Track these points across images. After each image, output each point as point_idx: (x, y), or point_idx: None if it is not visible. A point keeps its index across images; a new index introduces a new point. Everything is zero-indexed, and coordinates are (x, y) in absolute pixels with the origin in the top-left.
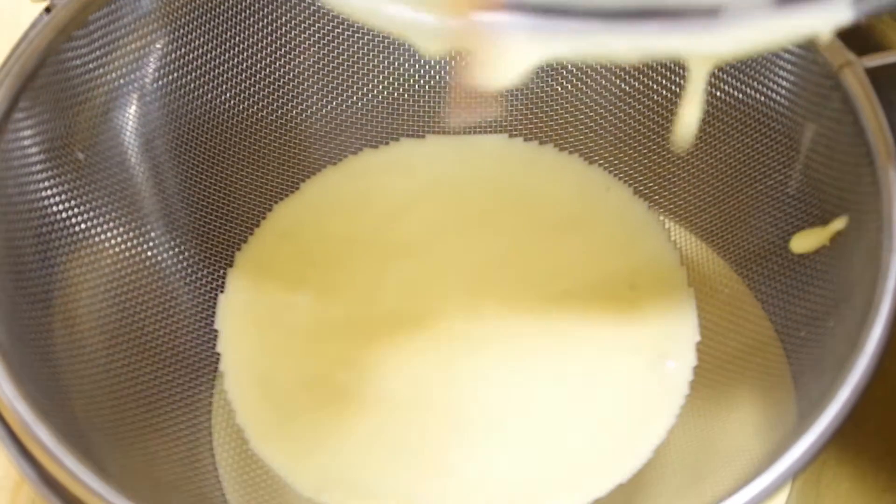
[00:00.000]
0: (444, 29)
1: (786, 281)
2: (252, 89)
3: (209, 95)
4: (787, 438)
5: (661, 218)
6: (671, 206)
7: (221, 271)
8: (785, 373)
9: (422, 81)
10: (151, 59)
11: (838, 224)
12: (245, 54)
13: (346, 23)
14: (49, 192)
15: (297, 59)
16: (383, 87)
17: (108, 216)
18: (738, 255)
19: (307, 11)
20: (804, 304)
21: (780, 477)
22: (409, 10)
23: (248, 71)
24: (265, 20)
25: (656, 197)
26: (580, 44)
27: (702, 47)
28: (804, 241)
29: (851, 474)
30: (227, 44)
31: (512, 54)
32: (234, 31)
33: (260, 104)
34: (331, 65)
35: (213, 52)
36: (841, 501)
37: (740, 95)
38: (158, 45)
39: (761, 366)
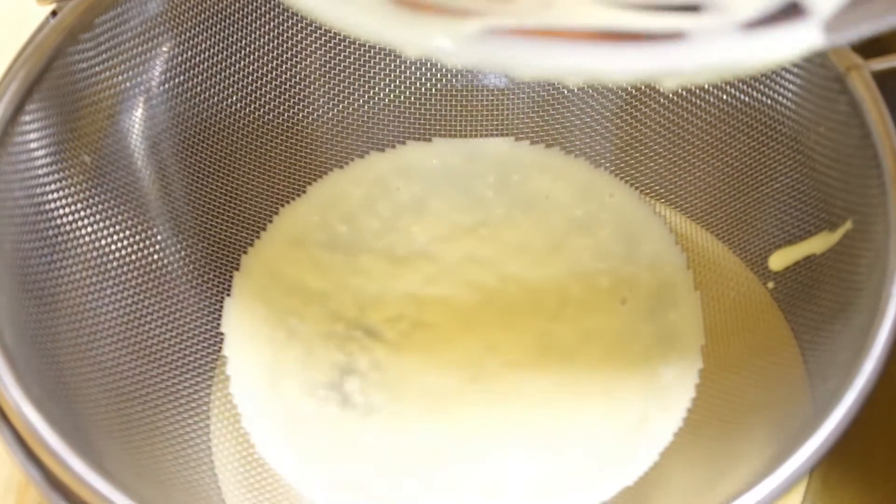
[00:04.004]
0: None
1: (792, 285)
2: (258, 92)
3: (216, 98)
4: (791, 443)
5: (673, 217)
6: (678, 210)
7: (228, 275)
8: (799, 374)
9: (428, 84)
10: (158, 63)
11: (816, 242)
12: (251, 57)
13: None
14: (56, 195)
15: (304, 62)
16: (390, 91)
17: (114, 219)
18: (749, 257)
19: None
20: (811, 308)
21: (784, 482)
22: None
23: (255, 74)
24: (272, 23)
25: (662, 201)
26: (528, 62)
27: (666, 71)
28: (782, 259)
29: (858, 478)
30: (234, 47)
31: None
32: (240, 33)
33: (266, 107)
34: (337, 68)
35: (220, 55)
36: None
37: (747, 98)
38: (165, 49)
39: (773, 367)
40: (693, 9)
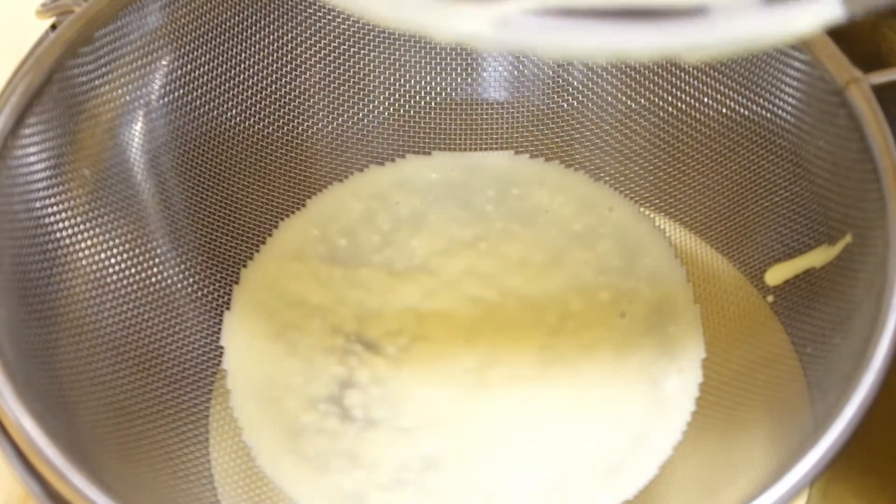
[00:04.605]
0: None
1: (792, 298)
2: (258, 106)
3: (215, 112)
4: (791, 456)
5: (673, 230)
6: (678, 224)
7: (227, 288)
8: (799, 387)
9: (427, 98)
10: (157, 76)
11: (813, 257)
12: (251, 71)
13: (352, 39)
14: (55, 208)
15: (303, 76)
16: (389, 104)
17: (114, 233)
18: (749, 270)
19: (313, 28)
20: (811, 321)
21: (784, 496)
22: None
23: (254, 87)
24: (271, 37)
25: (662, 214)
26: (556, 42)
27: (689, 47)
28: (779, 273)
29: (857, 491)
30: (233, 60)
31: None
32: (239, 47)
33: (266, 121)
34: (336, 81)
35: (219, 69)
36: None
37: (746, 112)
38: (164, 62)
39: (773, 380)
40: None
